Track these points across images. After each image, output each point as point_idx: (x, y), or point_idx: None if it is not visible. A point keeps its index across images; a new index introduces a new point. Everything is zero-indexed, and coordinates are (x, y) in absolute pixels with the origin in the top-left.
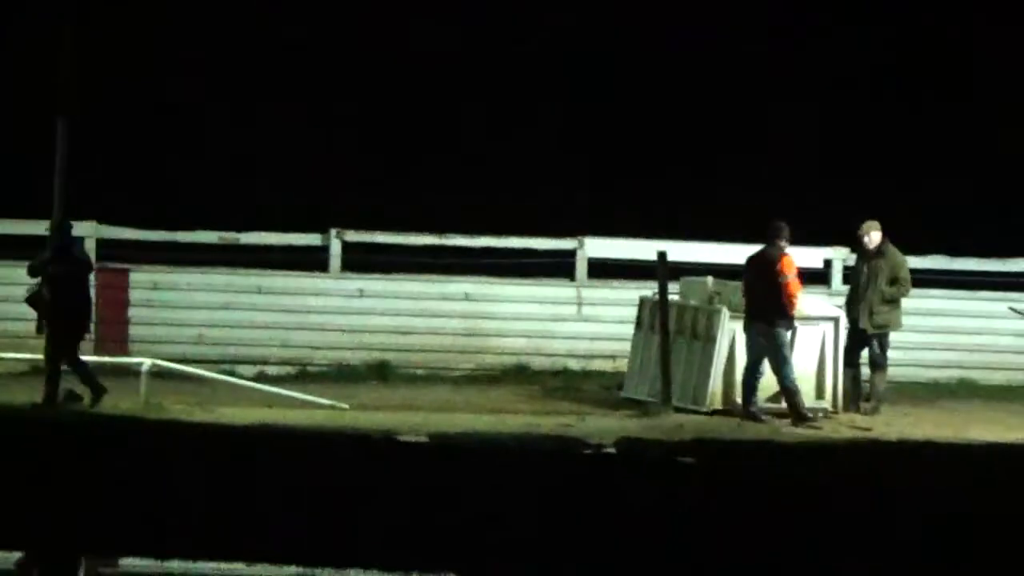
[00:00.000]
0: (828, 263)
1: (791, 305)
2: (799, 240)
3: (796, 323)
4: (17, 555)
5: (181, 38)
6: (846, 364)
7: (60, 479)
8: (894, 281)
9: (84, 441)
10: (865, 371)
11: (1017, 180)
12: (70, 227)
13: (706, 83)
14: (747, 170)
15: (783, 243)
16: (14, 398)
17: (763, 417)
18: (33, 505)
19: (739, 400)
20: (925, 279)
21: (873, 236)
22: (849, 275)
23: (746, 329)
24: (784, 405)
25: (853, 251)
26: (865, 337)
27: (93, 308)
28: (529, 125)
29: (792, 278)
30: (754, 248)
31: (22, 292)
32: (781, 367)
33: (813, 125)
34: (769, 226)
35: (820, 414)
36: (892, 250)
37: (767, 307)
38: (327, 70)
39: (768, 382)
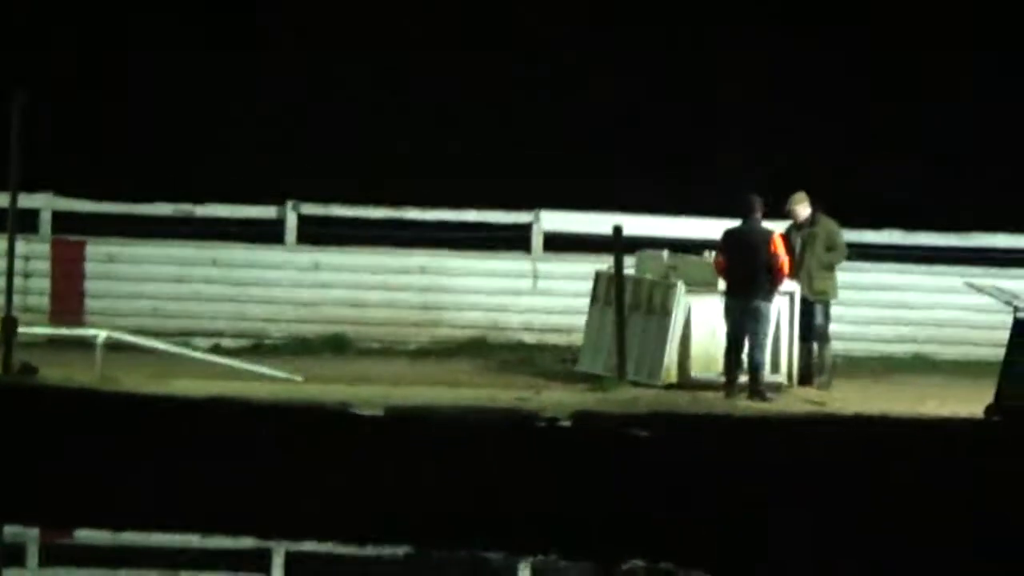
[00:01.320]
0: None
1: (780, 283)
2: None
3: None
4: None
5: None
6: (801, 338)
7: (13, 450)
8: (830, 248)
9: (38, 412)
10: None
11: (971, 154)
12: None
13: (660, 56)
14: (700, 143)
15: (759, 217)
16: None
17: (768, 395)
18: None
19: (699, 375)
20: (880, 254)
21: (802, 208)
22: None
23: (729, 306)
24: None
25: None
26: (808, 306)
27: None
28: (485, 95)
29: (785, 256)
30: (714, 222)
31: None
32: (761, 344)
33: (765, 93)
34: (745, 201)
35: (776, 388)
36: (824, 218)
37: (757, 284)
38: (283, 35)
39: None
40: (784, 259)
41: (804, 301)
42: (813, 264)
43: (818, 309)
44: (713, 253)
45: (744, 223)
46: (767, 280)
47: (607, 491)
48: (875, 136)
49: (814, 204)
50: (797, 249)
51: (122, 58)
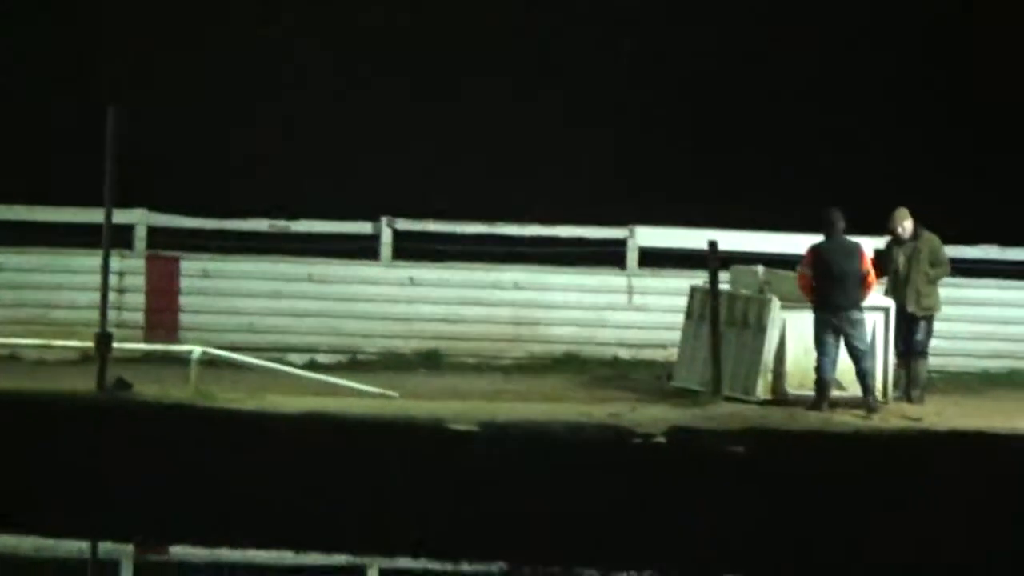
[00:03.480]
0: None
1: (868, 294)
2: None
3: None
4: (74, 542)
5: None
6: (897, 353)
7: (110, 466)
8: (934, 264)
9: (134, 427)
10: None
11: None
12: None
13: (758, 75)
14: (799, 160)
15: (842, 229)
16: (65, 385)
17: (873, 404)
18: (84, 492)
19: (794, 390)
20: (977, 269)
21: (907, 225)
22: (883, 264)
23: (822, 320)
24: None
25: (885, 240)
26: (913, 322)
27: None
28: (581, 113)
29: (871, 270)
30: (806, 237)
31: (73, 280)
32: (866, 352)
33: (858, 115)
34: (826, 216)
35: (871, 399)
36: (927, 233)
37: (852, 296)
38: (378, 57)
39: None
40: (872, 271)
41: (908, 316)
42: (920, 280)
43: (922, 325)
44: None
45: (828, 238)
46: (860, 292)
47: (703, 506)
48: (968, 150)
49: (915, 219)
50: (900, 265)
51: (219, 72)
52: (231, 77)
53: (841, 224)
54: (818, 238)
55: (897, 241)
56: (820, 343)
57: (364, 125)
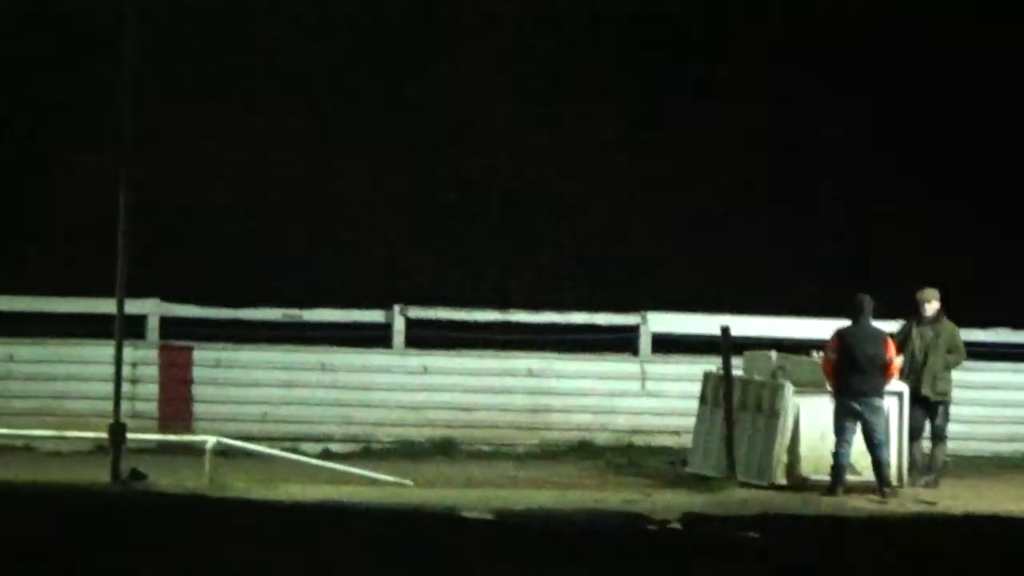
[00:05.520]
0: None
1: (889, 382)
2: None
3: None
4: None
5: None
6: (912, 437)
7: (126, 557)
8: (950, 350)
9: (149, 518)
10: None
11: None
12: None
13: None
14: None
15: (870, 316)
16: (80, 476)
17: (888, 491)
18: None
19: (808, 475)
20: (990, 352)
21: (933, 304)
22: (900, 344)
23: (842, 406)
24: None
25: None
26: (929, 406)
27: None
28: (591, 197)
29: (895, 359)
30: (819, 322)
31: (86, 371)
32: (884, 441)
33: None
34: (857, 301)
35: (887, 489)
36: (946, 320)
37: (875, 383)
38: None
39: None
40: (896, 362)
41: (924, 401)
42: (938, 365)
43: (940, 410)
44: (820, 353)
45: (856, 323)
46: (882, 379)
47: None
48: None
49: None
50: (917, 346)
51: (229, 162)
52: (240, 161)
53: (870, 310)
54: (830, 322)
55: (918, 321)
56: (839, 429)
57: (376, 213)
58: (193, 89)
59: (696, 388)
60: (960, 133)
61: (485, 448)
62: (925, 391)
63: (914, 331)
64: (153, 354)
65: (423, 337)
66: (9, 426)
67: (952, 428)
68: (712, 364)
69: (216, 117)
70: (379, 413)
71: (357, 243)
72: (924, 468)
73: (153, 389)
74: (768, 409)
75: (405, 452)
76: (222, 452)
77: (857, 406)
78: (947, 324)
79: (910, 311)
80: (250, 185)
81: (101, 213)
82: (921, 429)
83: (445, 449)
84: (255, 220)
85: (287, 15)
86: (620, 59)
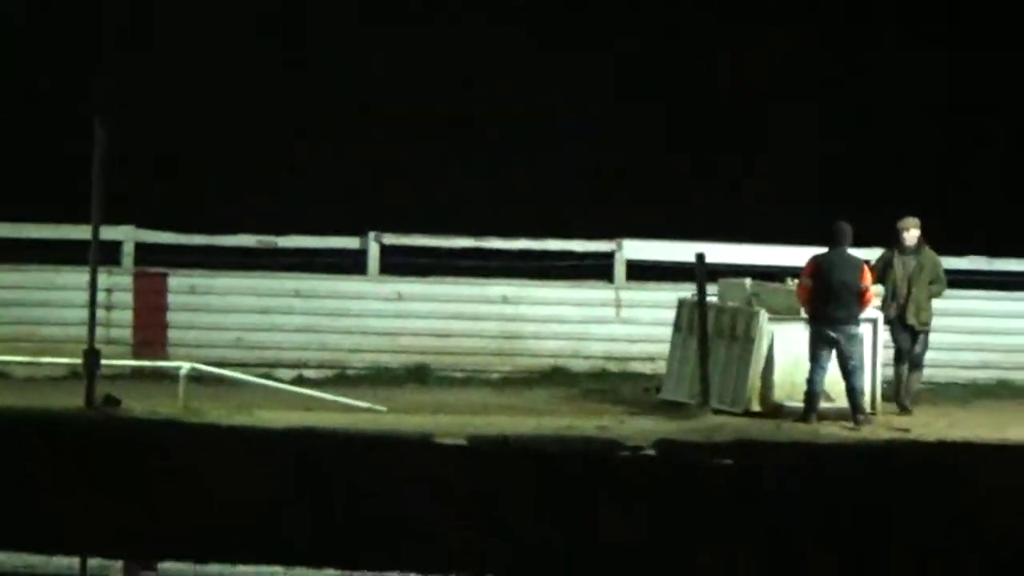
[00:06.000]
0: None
1: (863, 311)
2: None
3: None
4: (56, 559)
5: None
6: (898, 360)
7: (99, 483)
8: (933, 280)
9: (123, 445)
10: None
11: None
12: None
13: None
14: (785, 169)
15: (849, 245)
16: (53, 402)
17: (861, 419)
18: (73, 509)
19: (782, 402)
20: (964, 280)
21: (913, 232)
22: (881, 272)
23: (817, 333)
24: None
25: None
26: (913, 334)
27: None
28: (567, 124)
29: (872, 286)
30: (794, 250)
31: (61, 297)
32: (860, 368)
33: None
34: (837, 229)
35: (861, 416)
36: (928, 249)
37: (850, 311)
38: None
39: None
40: (872, 289)
41: (907, 329)
42: (922, 295)
43: (921, 338)
44: (795, 280)
45: (833, 250)
46: (857, 307)
47: (691, 519)
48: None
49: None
50: (900, 275)
51: (204, 88)
52: (221, 90)
53: (848, 238)
54: (806, 250)
55: (899, 250)
56: (814, 355)
57: (351, 139)
58: (166, 10)
59: (671, 315)
60: (934, 59)
61: (459, 375)
62: (911, 320)
63: (895, 260)
64: (128, 280)
65: (398, 264)
66: None
67: (927, 355)
68: (687, 291)
69: (191, 39)
70: (353, 339)
71: (332, 169)
72: (899, 393)
73: (128, 315)
74: (742, 336)
75: (379, 378)
76: (196, 378)
77: (832, 333)
78: (929, 253)
79: (891, 240)
80: (225, 110)
81: (77, 139)
82: (908, 353)
83: (419, 375)
84: (230, 146)
85: None
86: None
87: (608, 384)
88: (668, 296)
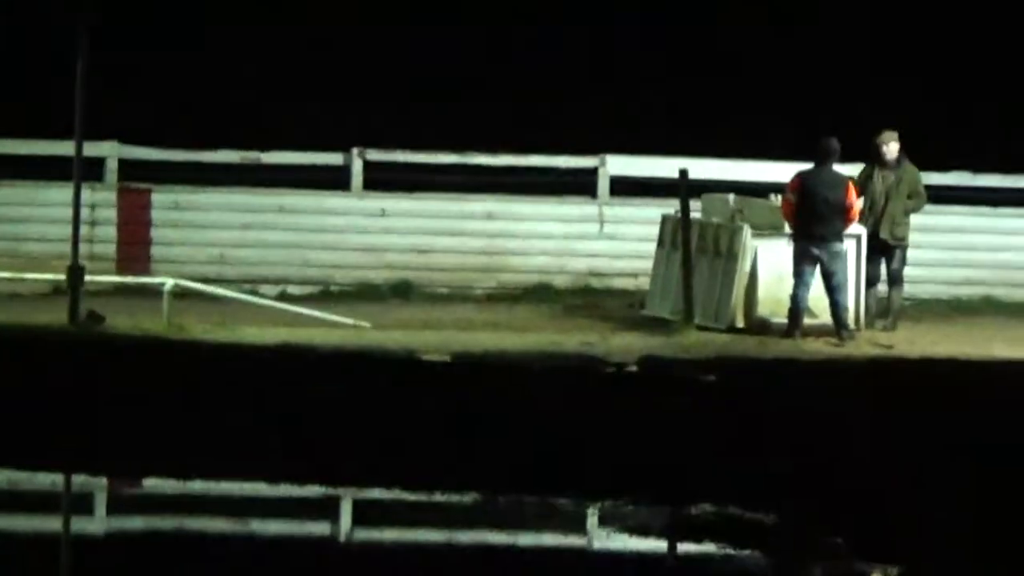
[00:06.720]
0: None
1: (847, 227)
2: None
3: None
4: (41, 475)
5: None
6: (868, 281)
7: (82, 399)
8: (911, 195)
9: (106, 361)
10: (882, 287)
11: None
12: None
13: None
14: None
15: (834, 161)
16: (37, 318)
17: (845, 335)
18: (56, 426)
19: (765, 318)
20: (948, 196)
21: (892, 146)
22: (861, 187)
23: (801, 249)
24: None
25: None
26: (887, 250)
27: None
28: (549, 40)
29: (857, 202)
30: (778, 165)
31: (44, 213)
32: (844, 284)
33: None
34: (824, 145)
35: (844, 332)
36: (909, 164)
37: (835, 227)
38: None
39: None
40: (857, 206)
41: (883, 245)
42: (898, 210)
43: (897, 254)
44: (779, 196)
45: (819, 166)
46: (841, 223)
47: (674, 436)
48: (940, 77)
49: (902, 146)
50: (879, 190)
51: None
52: (202, 7)
53: (835, 155)
54: (790, 165)
55: (881, 165)
56: (798, 272)
57: (334, 56)
58: None
59: (654, 231)
60: None
61: (443, 291)
62: (883, 235)
63: (876, 174)
64: (111, 196)
65: (381, 180)
66: None
67: (910, 272)
68: (670, 207)
69: None
70: (337, 255)
71: (316, 85)
72: (881, 312)
73: (111, 231)
74: (726, 252)
75: (363, 294)
76: (180, 294)
77: (816, 249)
78: (909, 168)
79: (871, 154)
80: (211, 27)
81: (63, 53)
82: (878, 277)
83: (403, 292)
84: (215, 62)
85: None
86: None
87: (592, 300)
88: (652, 212)
